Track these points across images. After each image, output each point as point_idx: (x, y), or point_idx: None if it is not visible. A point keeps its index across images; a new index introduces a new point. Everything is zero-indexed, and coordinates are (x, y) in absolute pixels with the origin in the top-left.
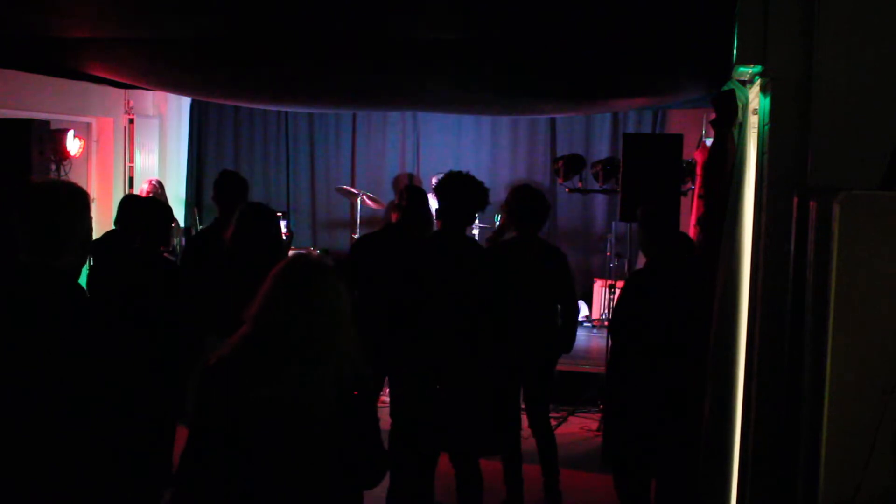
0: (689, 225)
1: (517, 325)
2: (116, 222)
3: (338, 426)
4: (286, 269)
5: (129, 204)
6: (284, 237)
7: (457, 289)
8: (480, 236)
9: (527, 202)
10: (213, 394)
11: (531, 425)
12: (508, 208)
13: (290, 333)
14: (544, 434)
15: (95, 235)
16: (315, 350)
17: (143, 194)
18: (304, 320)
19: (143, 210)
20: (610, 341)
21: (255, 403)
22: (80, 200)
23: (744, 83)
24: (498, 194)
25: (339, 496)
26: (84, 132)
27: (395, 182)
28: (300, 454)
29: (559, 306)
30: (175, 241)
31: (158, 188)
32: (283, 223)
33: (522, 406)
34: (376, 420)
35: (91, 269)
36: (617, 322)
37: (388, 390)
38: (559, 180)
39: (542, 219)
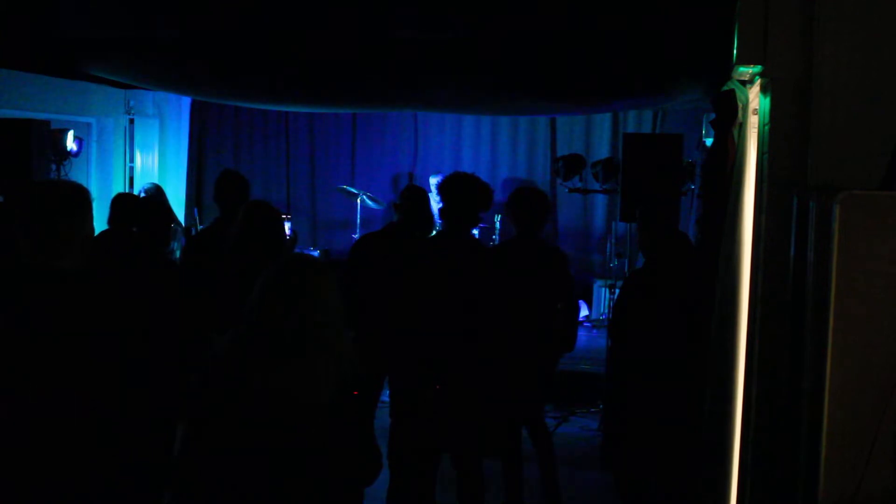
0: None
1: (517, 325)
2: (109, 221)
3: (336, 424)
4: (281, 268)
5: (122, 203)
6: (288, 237)
7: (456, 289)
8: (479, 237)
9: (526, 202)
10: (212, 392)
11: (526, 425)
12: (509, 209)
13: (284, 331)
14: (540, 435)
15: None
16: (310, 348)
17: None
18: (298, 318)
19: (138, 208)
20: (610, 341)
21: (252, 402)
22: (81, 200)
23: (744, 83)
24: (498, 194)
25: (338, 494)
26: (84, 132)
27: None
28: (299, 452)
29: (559, 306)
30: (175, 242)
31: (155, 192)
32: (287, 224)
33: None
34: (372, 417)
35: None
36: (616, 322)
37: (388, 390)
38: (559, 180)
39: (542, 219)
